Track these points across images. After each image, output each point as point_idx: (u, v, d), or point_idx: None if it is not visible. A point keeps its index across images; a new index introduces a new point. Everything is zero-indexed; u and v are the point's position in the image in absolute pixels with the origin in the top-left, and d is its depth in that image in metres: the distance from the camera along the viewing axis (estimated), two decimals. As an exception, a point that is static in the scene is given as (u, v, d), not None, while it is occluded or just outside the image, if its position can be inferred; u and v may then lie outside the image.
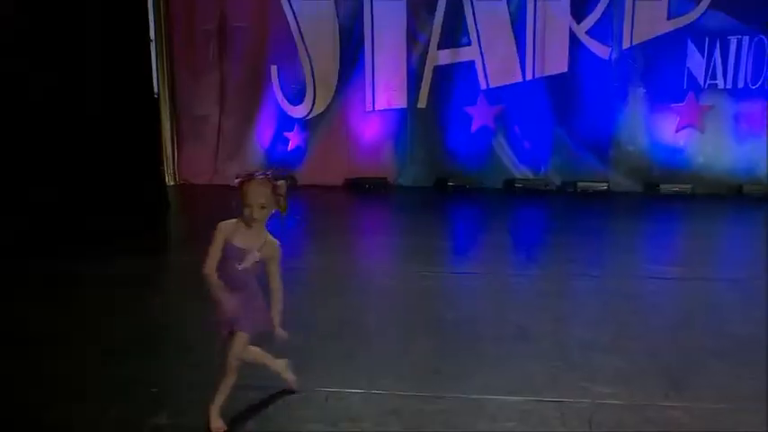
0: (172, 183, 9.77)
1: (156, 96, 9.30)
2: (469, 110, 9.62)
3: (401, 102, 9.69)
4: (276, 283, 3.35)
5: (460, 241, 7.32)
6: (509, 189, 9.57)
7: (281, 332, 3.40)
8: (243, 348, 3.29)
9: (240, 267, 3.21)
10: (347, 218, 8.71)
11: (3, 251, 5.82)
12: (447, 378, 3.91)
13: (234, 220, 3.23)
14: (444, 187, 9.66)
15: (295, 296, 5.34)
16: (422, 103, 9.65)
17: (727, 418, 3.48)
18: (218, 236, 3.22)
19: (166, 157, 9.67)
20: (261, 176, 3.20)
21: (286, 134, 9.90)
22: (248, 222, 3.19)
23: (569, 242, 6.98)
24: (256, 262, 3.22)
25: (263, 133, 9.93)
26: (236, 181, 3.21)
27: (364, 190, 9.68)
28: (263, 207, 3.17)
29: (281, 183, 3.24)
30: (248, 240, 3.22)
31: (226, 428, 3.29)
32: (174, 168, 9.92)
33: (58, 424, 3.41)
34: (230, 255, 3.21)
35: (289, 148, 9.96)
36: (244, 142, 9.91)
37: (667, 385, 3.80)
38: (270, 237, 3.29)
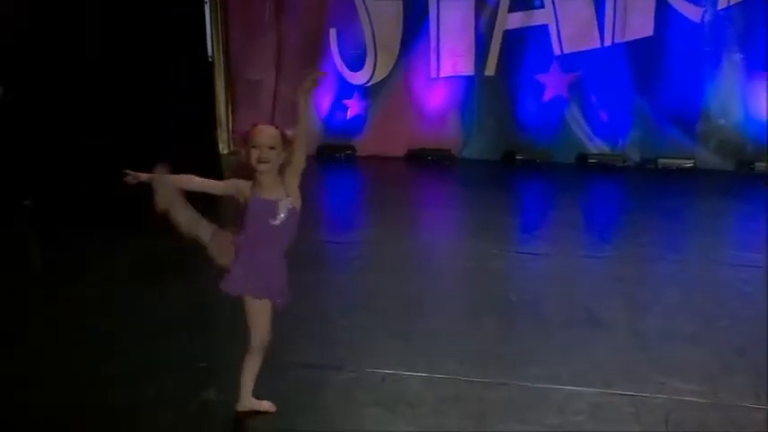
0: (225, 151, 9.92)
1: (210, 60, 9.42)
2: (541, 78, 9.38)
3: (468, 68, 9.52)
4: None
5: (528, 218, 7.18)
6: (582, 164, 9.32)
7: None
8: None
9: (277, 222, 3.06)
10: (408, 191, 8.66)
11: (59, 222, 6.00)
12: (511, 364, 3.85)
13: (248, 182, 3.06)
14: (512, 161, 9.48)
15: (353, 272, 5.43)
16: (490, 71, 9.45)
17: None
18: (230, 180, 3.11)
19: (220, 124, 9.79)
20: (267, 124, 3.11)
21: (345, 102, 9.89)
22: (259, 169, 2.99)
23: (648, 223, 6.74)
24: (289, 209, 3.06)
25: (320, 101, 9.94)
26: (241, 136, 3.17)
27: (427, 162, 9.61)
28: (271, 148, 3.00)
29: (290, 132, 3.10)
30: (274, 192, 3.05)
31: (275, 409, 3.31)
32: (227, 135, 10.05)
33: (108, 396, 3.50)
34: (260, 210, 3.04)
35: (348, 117, 9.95)
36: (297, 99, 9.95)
37: (757, 384, 3.64)
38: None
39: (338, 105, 9.90)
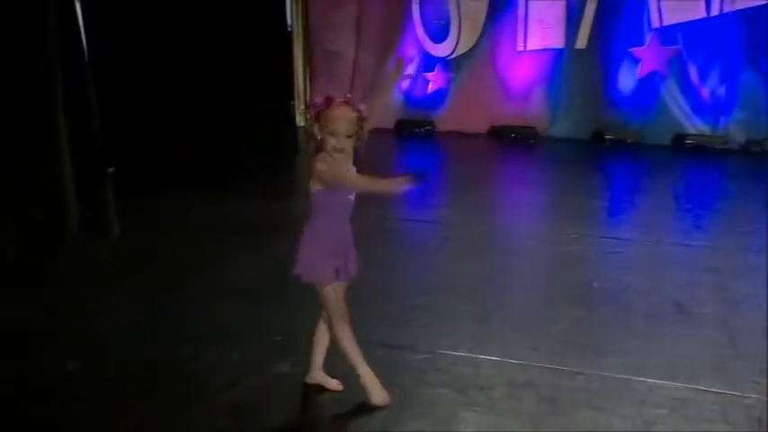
0: (302, 123, 10.12)
1: (289, 30, 9.59)
2: (637, 52, 9.13)
3: (557, 41, 9.35)
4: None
5: (616, 202, 7.04)
6: (679, 146, 9.06)
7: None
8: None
9: (352, 196, 3.13)
10: (490, 169, 8.65)
11: (133, 189, 6.31)
12: (589, 353, 3.84)
13: (321, 157, 3.05)
14: (602, 141, 9.31)
15: (431, 251, 5.50)
16: (581, 43, 9.27)
17: None
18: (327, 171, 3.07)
19: (298, 96, 9.99)
20: (342, 100, 3.04)
21: (427, 75, 9.91)
22: (334, 157, 3.01)
23: (749, 212, 6.50)
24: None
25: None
26: (314, 110, 3.06)
27: (510, 140, 9.55)
28: (348, 136, 3.01)
29: (364, 108, 3.09)
30: (345, 165, 3.09)
31: (341, 388, 3.43)
32: (305, 107, 10.24)
33: (183, 365, 3.71)
34: (337, 187, 3.10)
35: (429, 90, 9.98)
36: (380, 82, 10.03)
37: None
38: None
39: (419, 78, 9.93)
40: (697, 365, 3.73)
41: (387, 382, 3.38)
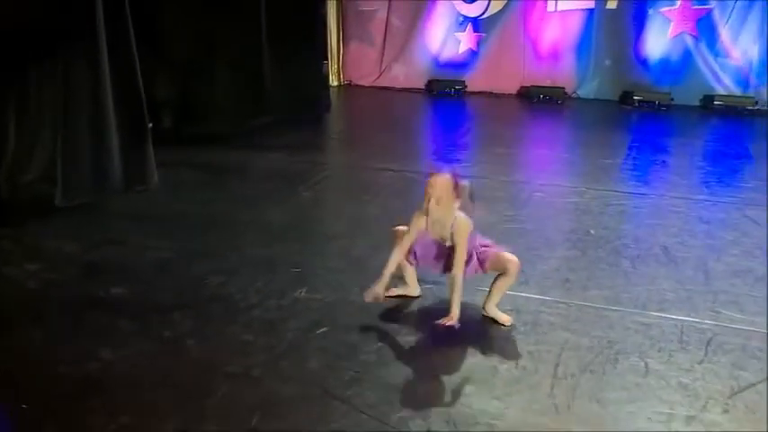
0: (336, 83, 10.76)
1: (323, -10, 10.18)
2: (667, 12, 9.53)
3: (588, 1, 9.79)
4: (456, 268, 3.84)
5: (632, 160, 7.54)
6: (707, 107, 9.46)
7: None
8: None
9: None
10: (518, 129, 9.18)
11: (170, 142, 7.04)
12: (574, 287, 4.45)
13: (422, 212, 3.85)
14: (630, 102, 9.74)
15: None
16: (611, 4, 9.71)
17: None
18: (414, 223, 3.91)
19: (332, 55, 10.61)
20: (445, 172, 3.86)
21: (457, 35, 10.44)
22: (429, 212, 3.79)
23: (763, 170, 7.00)
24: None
25: (432, 33, 10.53)
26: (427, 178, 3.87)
27: (539, 100, 10.03)
28: (438, 202, 3.76)
29: (463, 183, 3.87)
30: (437, 233, 3.88)
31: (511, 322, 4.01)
32: (338, 67, 10.87)
33: (214, 290, 4.43)
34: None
35: (459, 51, 10.51)
36: (411, 42, 10.60)
37: (814, 320, 4.07)
38: (459, 218, 3.83)
39: (450, 38, 10.46)
40: (668, 298, 4.31)
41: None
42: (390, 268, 3.94)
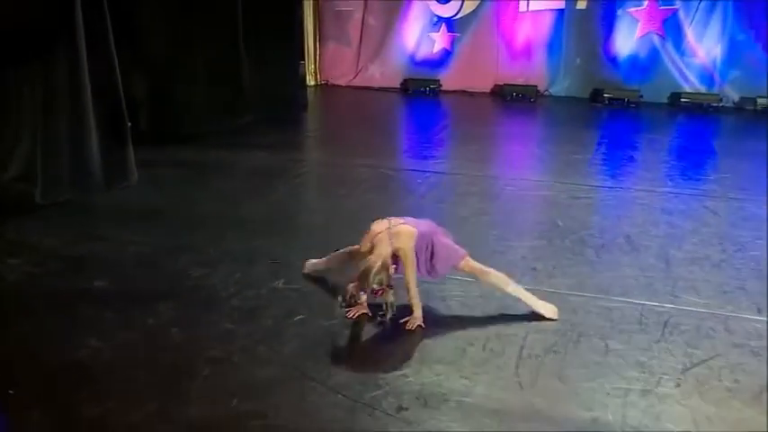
0: (312, 83, 10.93)
1: (300, -9, 10.34)
2: (635, 12, 9.80)
3: (558, 2, 10.05)
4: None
5: (605, 156, 7.78)
6: (675, 104, 9.75)
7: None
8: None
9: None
10: (491, 126, 9.41)
11: (149, 141, 7.17)
12: (540, 274, 4.66)
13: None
14: (601, 99, 10.01)
15: (420, 195, 6.31)
16: (581, 4, 9.96)
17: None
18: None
19: (308, 56, 10.79)
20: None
21: (432, 35, 10.65)
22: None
23: (725, 164, 7.29)
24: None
25: (407, 33, 10.74)
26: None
27: (512, 98, 10.27)
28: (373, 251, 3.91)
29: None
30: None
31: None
32: (315, 67, 11.05)
33: (195, 281, 4.59)
34: None
35: (434, 51, 10.73)
36: (387, 42, 10.80)
37: (763, 302, 4.31)
38: (400, 231, 3.97)
39: (425, 38, 10.68)
40: (630, 284, 4.54)
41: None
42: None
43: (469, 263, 4.16)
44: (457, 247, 4.18)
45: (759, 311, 4.21)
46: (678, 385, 3.48)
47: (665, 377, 3.54)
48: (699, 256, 4.97)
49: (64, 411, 3.29)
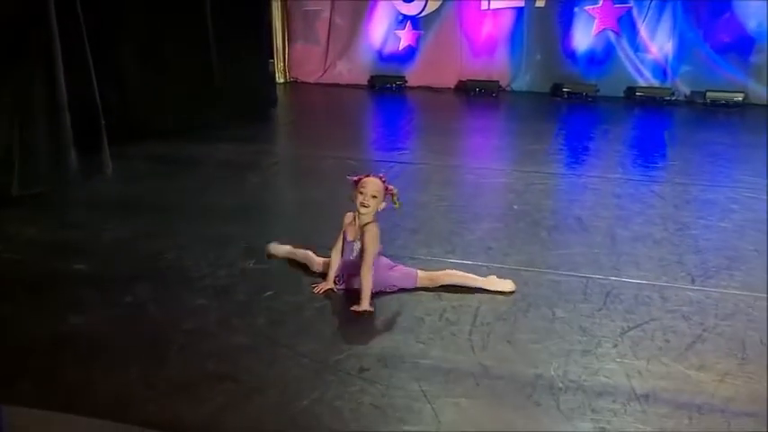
0: (282, 80, 11.20)
1: (268, -10, 10.59)
2: (591, 10, 10.20)
3: (518, 0, 10.41)
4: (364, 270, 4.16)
5: (561, 146, 8.15)
6: (630, 98, 10.16)
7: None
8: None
9: (351, 257, 4.31)
10: (454, 120, 9.73)
11: (124, 135, 7.39)
12: (495, 253, 4.98)
13: (353, 213, 4.28)
14: (560, 94, 10.38)
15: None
16: (540, 2, 10.33)
17: (747, 304, 4.31)
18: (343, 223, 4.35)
19: (277, 53, 11.05)
20: (375, 175, 4.26)
21: (397, 32, 10.97)
22: (360, 211, 4.17)
23: (675, 153, 7.71)
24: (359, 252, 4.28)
25: (374, 31, 11.05)
26: (353, 178, 4.26)
27: (475, 93, 10.62)
28: (374, 197, 4.14)
29: (393, 187, 4.25)
30: (353, 234, 4.27)
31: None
32: (284, 65, 11.31)
33: (170, 263, 4.85)
34: (345, 246, 4.34)
35: (399, 48, 11.05)
36: (354, 40, 11.10)
37: (700, 274, 4.68)
38: (370, 227, 4.19)
39: (390, 36, 11.00)
40: (578, 260, 4.88)
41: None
42: (333, 267, 4.42)
43: (425, 275, 4.46)
44: (407, 269, 4.48)
45: (693, 281, 4.57)
46: (615, 346, 3.82)
47: (605, 339, 3.88)
48: (642, 235, 5.34)
49: (48, 376, 3.53)
